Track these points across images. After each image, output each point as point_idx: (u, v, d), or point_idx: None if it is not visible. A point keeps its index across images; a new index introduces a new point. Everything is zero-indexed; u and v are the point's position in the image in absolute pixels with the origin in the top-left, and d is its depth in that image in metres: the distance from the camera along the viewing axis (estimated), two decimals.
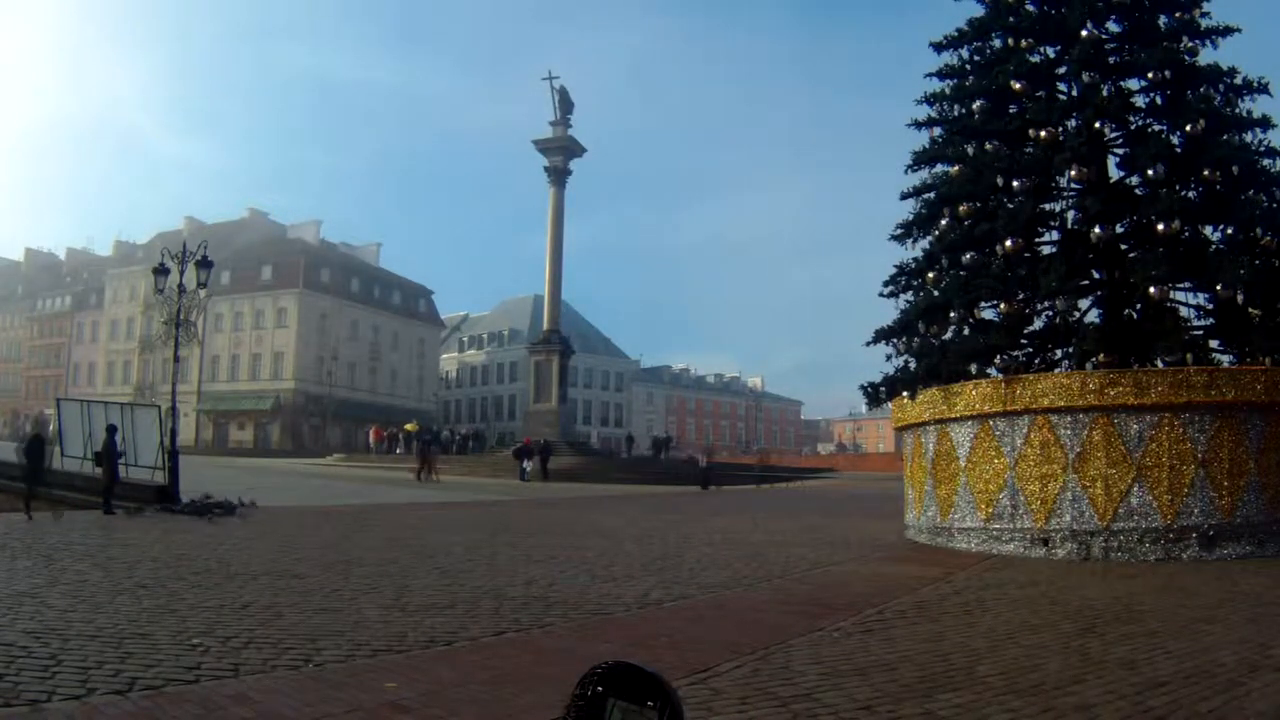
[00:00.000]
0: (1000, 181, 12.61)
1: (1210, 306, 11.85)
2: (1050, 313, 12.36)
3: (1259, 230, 11.83)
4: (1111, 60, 12.86)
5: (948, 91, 13.85)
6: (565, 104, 44.33)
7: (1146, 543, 10.37)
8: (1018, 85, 12.87)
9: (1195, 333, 12.11)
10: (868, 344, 13.91)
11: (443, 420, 74.14)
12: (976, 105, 13.39)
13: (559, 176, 44.24)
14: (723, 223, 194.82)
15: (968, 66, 13.85)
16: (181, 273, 18.64)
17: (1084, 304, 12.75)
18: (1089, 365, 11.70)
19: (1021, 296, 12.21)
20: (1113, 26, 13.19)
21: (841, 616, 6.88)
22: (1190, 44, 12.65)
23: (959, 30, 13.81)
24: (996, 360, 12.57)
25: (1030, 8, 13.33)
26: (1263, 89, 12.39)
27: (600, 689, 1.34)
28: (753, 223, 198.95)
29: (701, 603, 7.76)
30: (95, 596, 7.03)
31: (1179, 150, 12.03)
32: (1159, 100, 12.75)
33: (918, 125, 14.15)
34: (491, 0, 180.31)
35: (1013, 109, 13.15)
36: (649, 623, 6.77)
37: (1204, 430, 10.47)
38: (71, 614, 6.24)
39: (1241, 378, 10.61)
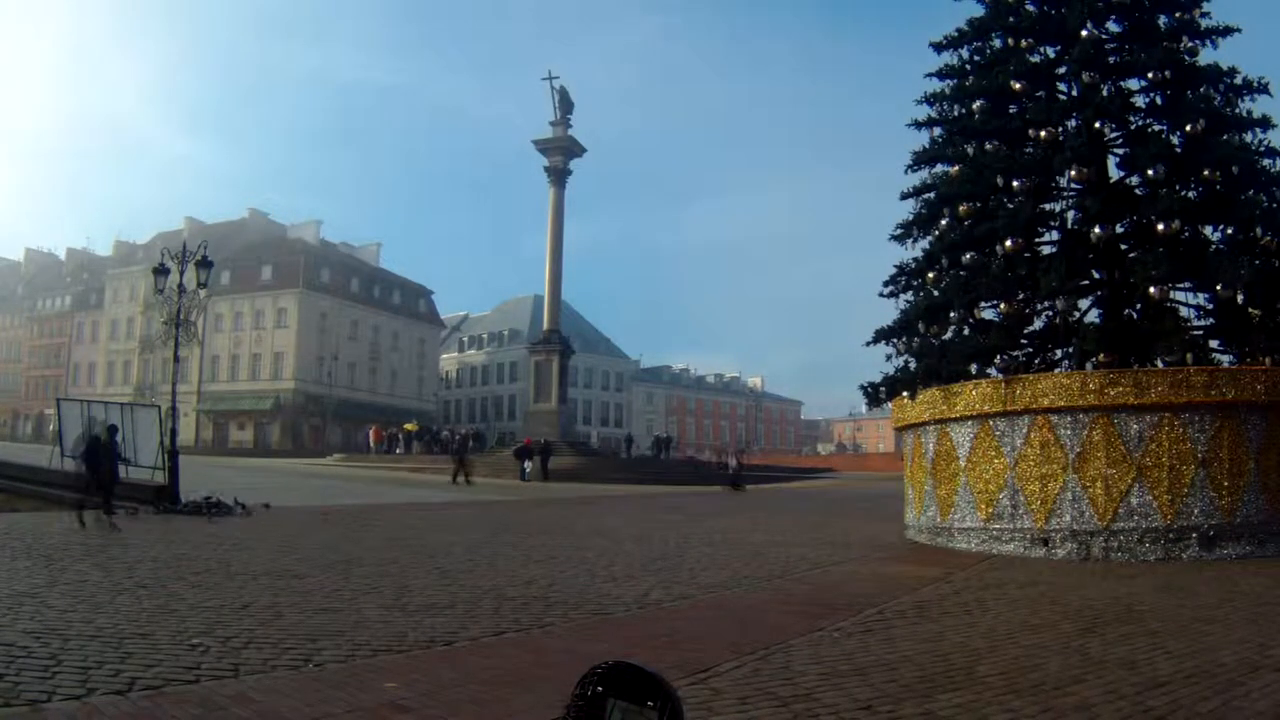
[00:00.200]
0: (1000, 181, 12.62)
1: (1210, 306, 11.86)
2: (1050, 313, 12.37)
3: (1259, 230, 11.83)
4: (1111, 60, 12.86)
5: (948, 91, 13.87)
6: (565, 104, 44.33)
7: (1146, 543, 10.37)
8: (1018, 85, 12.88)
9: (1195, 333, 12.11)
10: (868, 344, 13.94)
11: (443, 420, 74.15)
12: (976, 105, 13.40)
13: (559, 176, 44.24)
14: (723, 222, 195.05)
15: (968, 66, 13.87)
16: (181, 273, 18.63)
17: (1084, 304, 12.75)
18: (1089, 365, 11.70)
19: (1021, 296, 12.21)
20: (1113, 26, 13.21)
21: (841, 616, 6.87)
22: (1190, 44, 12.66)
23: (959, 30, 13.83)
24: (996, 360, 12.57)
25: (1030, 8, 13.33)
26: (1263, 89, 12.40)
27: (600, 689, 1.34)
28: (753, 222, 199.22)
29: (701, 603, 7.75)
30: (95, 596, 7.03)
31: (1179, 150, 12.04)
32: (1159, 100, 12.75)
33: (918, 125, 14.17)
34: (492, 0, 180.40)
35: (1013, 109, 13.16)
36: (649, 623, 6.77)
37: (1204, 430, 10.47)
38: (71, 614, 6.24)
39: (1241, 378, 10.61)
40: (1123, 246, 12.43)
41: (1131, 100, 12.83)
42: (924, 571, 9.86)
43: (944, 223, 13.33)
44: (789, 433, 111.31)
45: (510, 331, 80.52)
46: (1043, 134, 12.34)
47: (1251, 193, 12.01)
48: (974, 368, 12.21)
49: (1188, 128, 11.92)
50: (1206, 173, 11.80)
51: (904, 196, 14.18)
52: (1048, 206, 12.99)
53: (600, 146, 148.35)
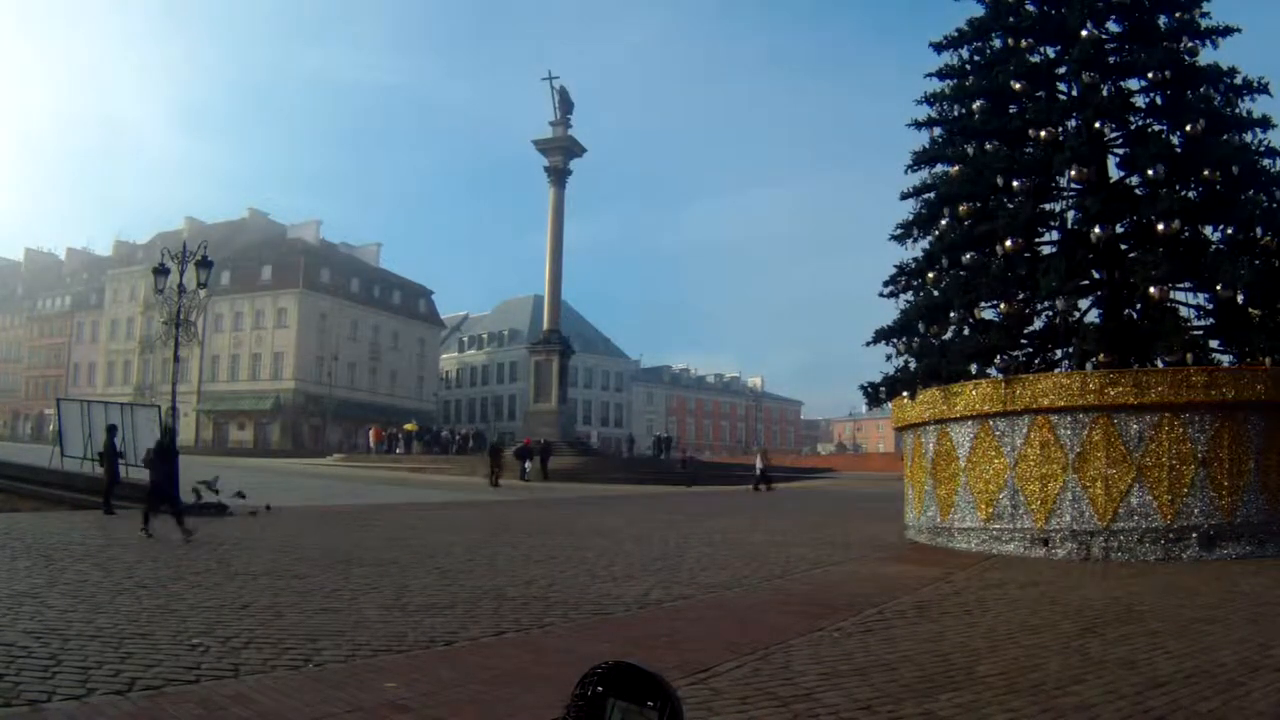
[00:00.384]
0: (1000, 181, 12.61)
1: (1210, 306, 11.84)
2: (1050, 313, 12.36)
3: (1259, 230, 11.82)
4: (1111, 60, 12.85)
5: (948, 91, 13.84)
6: (565, 104, 44.36)
7: (1146, 543, 10.36)
8: (1018, 85, 12.87)
9: (1195, 333, 12.09)
10: (868, 344, 13.91)
11: (443, 420, 74.15)
12: (976, 105, 13.39)
13: (559, 176, 44.26)
14: (723, 222, 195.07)
15: (968, 67, 13.85)
16: (181, 273, 18.63)
17: (1084, 304, 12.74)
18: (1089, 365, 11.69)
19: (1021, 296, 12.20)
20: (1113, 26, 13.19)
21: (841, 616, 6.87)
22: (1190, 44, 12.64)
23: (959, 30, 13.80)
24: (996, 360, 12.56)
25: (1030, 8, 13.32)
26: (1263, 89, 12.39)
27: (600, 689, 1.34)
28: (753, 222, 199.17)
29: (701, 603, 7.75)
30: (95, 596, 7.03)
31: (1179, 150, 12.02)
32: (1159, 100, 12.74)
33: (918, 125, 14.15)
34: (492, 0, 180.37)
35: (1013, 109, 13.15)
36: (649, 623, 6.77)
37: (1204, 430, 10.47)
38: (71, 614, 6.24)
39: (1241, 378, 10.61)
40: (1123, 246, 12.43)
41: (1131, 100, 12.82)
42: (924, 571, 9.86)
43: (944, 223, 13.32)
44: (789, 433, 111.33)
45: (510, 331, 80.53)
46: (1043, 134, 12.33)
47: (1251, 193, 12.00)
48: (974, 368, 12.20)
49: (1188, 128, 11.91)
50: (1206, 173, 11.79)
51: (904, 196, 14.17)
52: (1048, 206, 12.98)
53: (600, 146, 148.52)
